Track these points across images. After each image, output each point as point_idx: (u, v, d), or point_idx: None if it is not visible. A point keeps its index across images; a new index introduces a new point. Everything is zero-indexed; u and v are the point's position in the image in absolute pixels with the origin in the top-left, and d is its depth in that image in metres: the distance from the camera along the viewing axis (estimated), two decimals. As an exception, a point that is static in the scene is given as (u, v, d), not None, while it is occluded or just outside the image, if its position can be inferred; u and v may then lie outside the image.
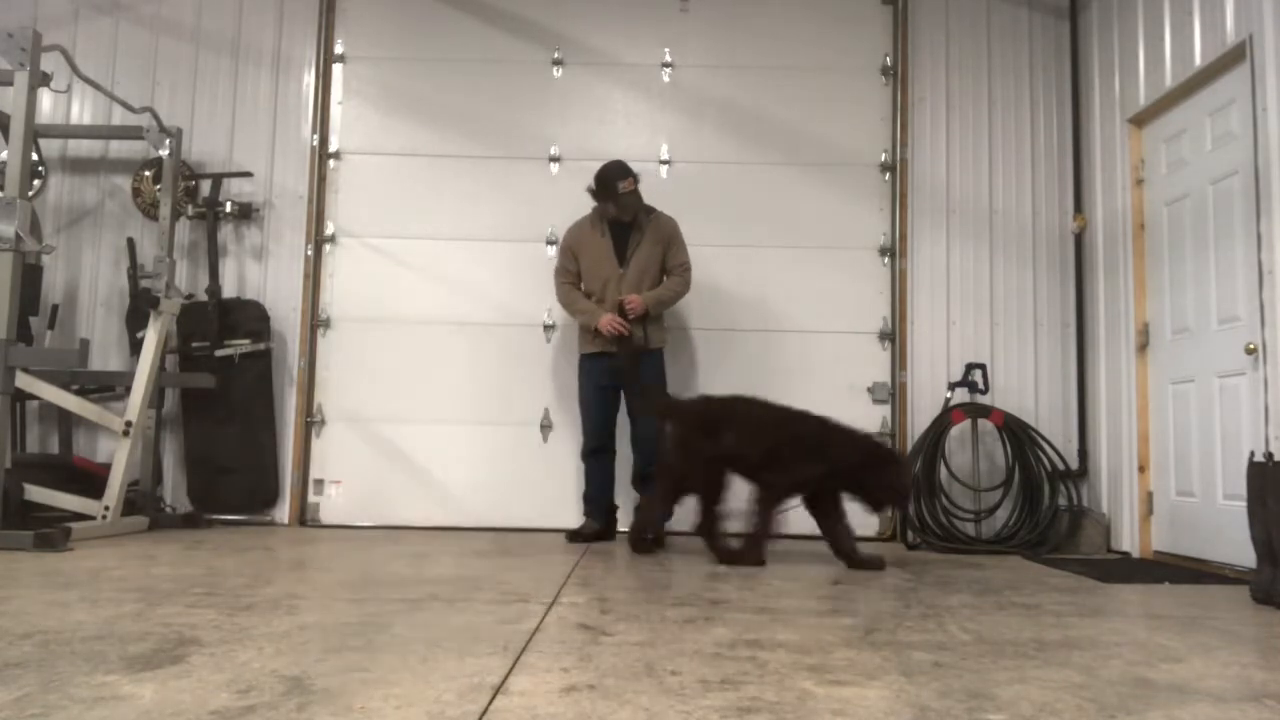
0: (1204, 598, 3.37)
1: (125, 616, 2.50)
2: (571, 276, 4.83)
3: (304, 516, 5.30)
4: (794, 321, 5.41)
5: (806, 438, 4.07)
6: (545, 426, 5.34)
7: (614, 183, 4.67)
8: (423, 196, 5.50)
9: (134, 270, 5.28)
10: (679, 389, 5.29)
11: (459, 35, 5.60)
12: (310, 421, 5.37)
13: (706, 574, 3.67)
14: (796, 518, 4.34)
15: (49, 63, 4.33)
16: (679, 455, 4.18)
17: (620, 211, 4.71)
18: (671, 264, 4.85)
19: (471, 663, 2.08)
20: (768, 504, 4.04)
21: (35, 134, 4.53)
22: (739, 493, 4.16)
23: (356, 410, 5.38)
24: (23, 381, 4.29)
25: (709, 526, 4.11)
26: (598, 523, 4.77)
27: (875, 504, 4.25)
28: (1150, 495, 4.74)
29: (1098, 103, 5.23)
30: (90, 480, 4.71)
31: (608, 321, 4.62)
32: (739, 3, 5.61)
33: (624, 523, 4.86)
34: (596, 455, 4.78)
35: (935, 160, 5.50)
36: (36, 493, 4.45)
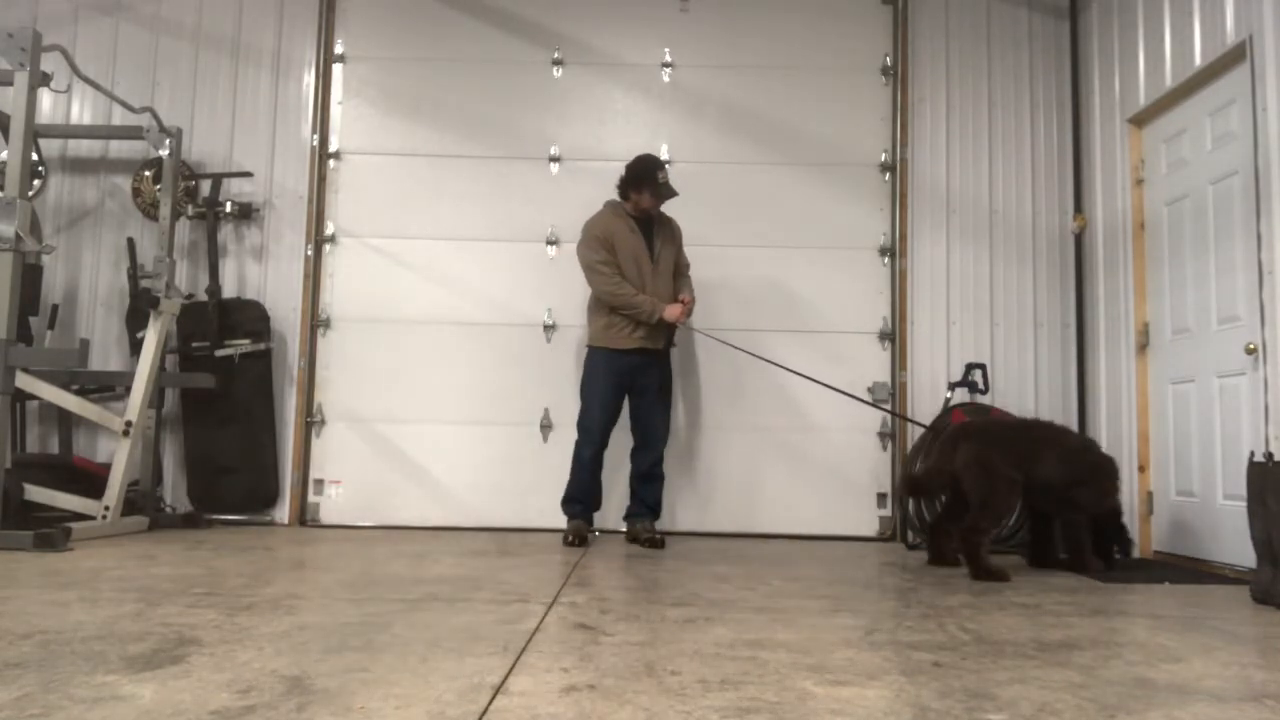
0: (1204, 598, 3.37)
1: (125, 616, 2.50)
2: (615, 269, 4.67)
3: (304, 516, 5.30)
4: (794, 321, 5.41)
5: (1105, 465, 4.13)
6: (545, 426, 5.34)
7: (654, 172, 4.68)
8: (423, 196, 5.50)
9: (134, 270, 5.28)
10: (680, 389, 5.30)
11: (459, 35, 5.60)
12: (310, 421, 5.37)
13: (706, 574, 3.67)
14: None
15: (49, 63, 4.33)
16: (1000, 484, 3.92)
17: (655, 203, 4.72)
18: (682, 264, 4.93)
19: (471, 663, 2.08)
20: (1081, 526, 4.06)
21: (35, 134, 4.53)
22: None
23: (356, 410, 5.38)
24: (23, 381, 4.29)
25: (1045, 549, 4.18)
26: (587, 522, 4.75)
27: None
28: (1150, 495, 4.74)
29: (1098, 103, 5.23)
30: (90, 480, 4.71)
31: (680, 311, 4.64)
32: (739, 3, 5.61)
33: (614, 520, 4.90)
34: (597, 455, 4.74)
35: (935, 160, 5.50)
36: (36, 493, 4.45)
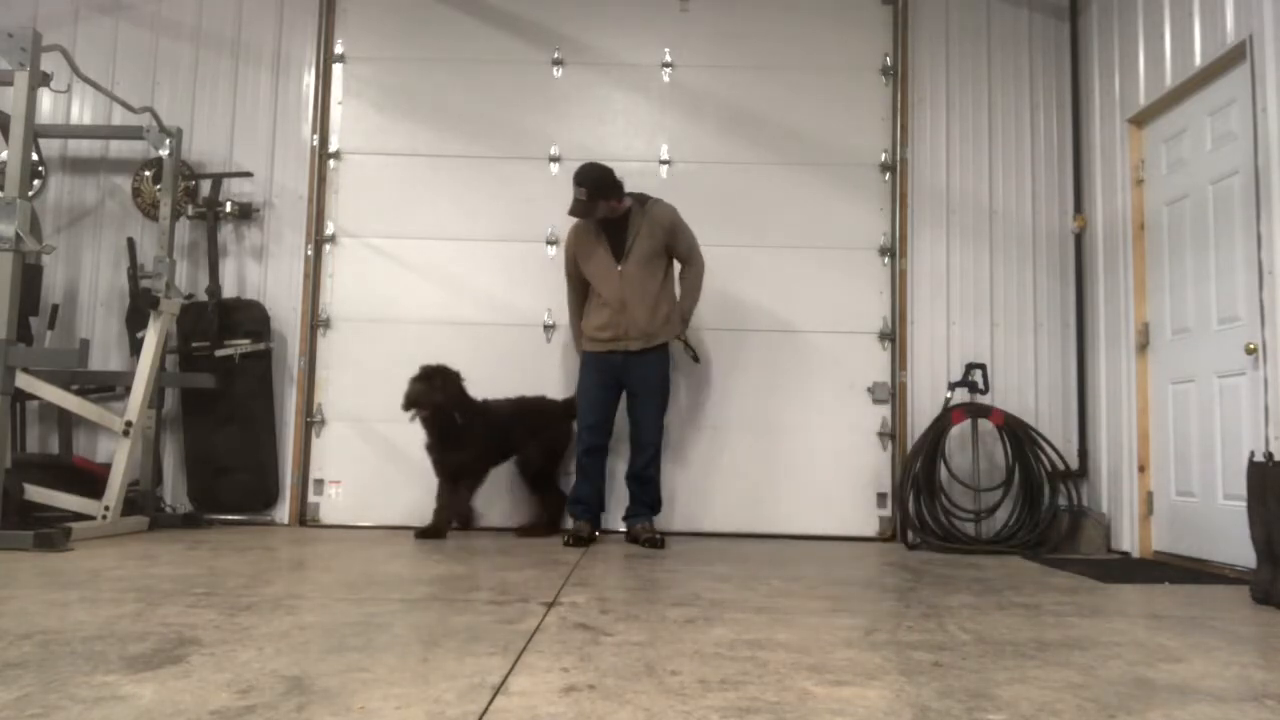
0: (1204, 598, 3.37)
1: (125, 616, 2.50)
2: (576, 283, 4.84)
3: (304, 516, 5.30)
4: (794, 321, 5.41)
5: None
6: (545, 426, 5.34)
7: (574, 186, 4.57)
8: (423, 196, 5.50)
9: (134, 270, 5.28)
10: (680, 389, 5.30)
11: (459, 35, 5.60)
12: (310, 421, 5.37)
13: (706, 574, 3.67)
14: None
15: (49, 63, 4.33)
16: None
17: (580, 215, 4.64)
18: (681, 251, 4.79)
19: (471, 663, 2.08)
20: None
21: (35, 134, 4.53)
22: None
23: (356, 410, 5.38)
24: (23, 381, 4.29)
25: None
26: (589, 524, 4.74)
27: None
28: (1150, 495, 4.74)
29: (1098, 103, 5.23)
30: (90, 480, 4.71)
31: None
32: (739, 3, 5.61)
33: (612, 521, 4.89)
34: (592, 454, 4.73)
35: (935, 160, 5.50)
36: (36, 493, 4.45)
